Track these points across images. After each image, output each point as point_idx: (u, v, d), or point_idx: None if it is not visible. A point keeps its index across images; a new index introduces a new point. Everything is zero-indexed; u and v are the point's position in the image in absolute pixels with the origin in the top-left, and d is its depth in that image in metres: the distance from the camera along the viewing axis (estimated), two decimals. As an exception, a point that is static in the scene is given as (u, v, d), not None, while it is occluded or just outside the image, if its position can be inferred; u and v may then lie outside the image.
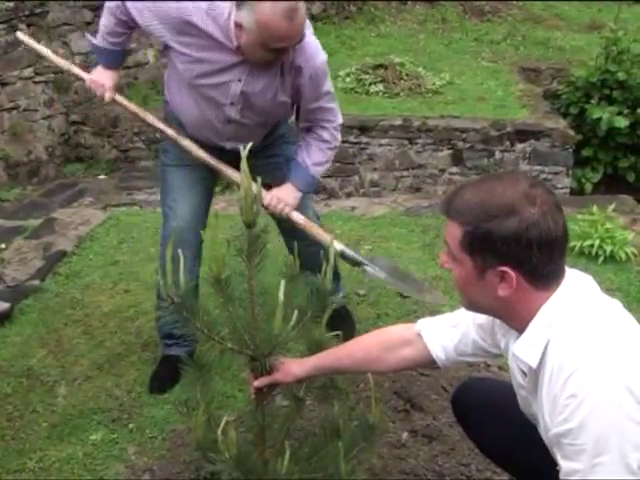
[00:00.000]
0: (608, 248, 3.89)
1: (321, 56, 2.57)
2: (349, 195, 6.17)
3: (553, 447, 1.54)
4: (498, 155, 6.28)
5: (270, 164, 2.80)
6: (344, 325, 2.90)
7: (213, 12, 2.44)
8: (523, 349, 1.59)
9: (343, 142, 5.82)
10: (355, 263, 2.82)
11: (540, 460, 1.88)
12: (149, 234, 4.25)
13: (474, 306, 1.67)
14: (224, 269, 1.68)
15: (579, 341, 1.47)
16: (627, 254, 3.91)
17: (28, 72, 5.99)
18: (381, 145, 6.20)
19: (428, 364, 2.00)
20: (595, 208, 4.16)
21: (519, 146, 6.30)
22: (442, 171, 6.30)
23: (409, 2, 9.43)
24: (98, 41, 2.74)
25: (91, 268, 3.87)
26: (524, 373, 1.67)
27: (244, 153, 1.61)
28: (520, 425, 1.97)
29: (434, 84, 7.12)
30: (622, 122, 6.39)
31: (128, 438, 2.66)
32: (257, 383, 1.89)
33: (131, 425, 2.71)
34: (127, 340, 3.21)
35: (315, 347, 1.95)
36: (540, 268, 1.51)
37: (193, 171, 2.79)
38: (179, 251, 1.68)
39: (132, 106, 2.81)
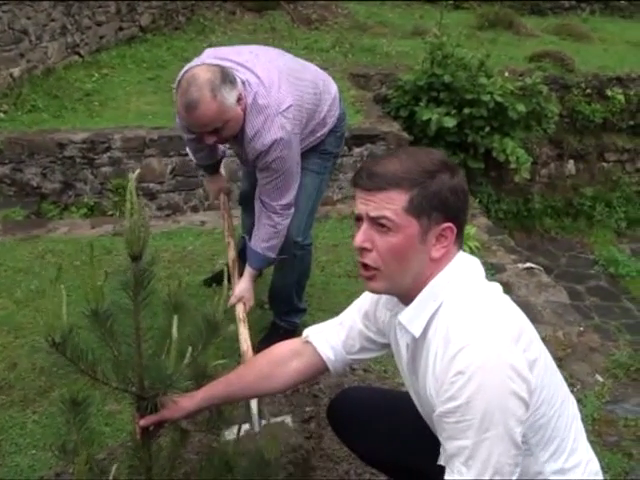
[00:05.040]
0: (453, 244, 4.08)
1: (261, 141, 2.73)
2: (194, 209, 6.07)
3: (437, 429, 1.58)
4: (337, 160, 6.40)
5: None
6: None
7: None
8: (409, 319, 1.64)
9: (185, 155, 5.81)
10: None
11: (416, 458, 1.95)
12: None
13: (395, 281, 1.65)
14: (102, 302, 1.59)
15: (467, 319, 1.53)
16: (471, 248, 4.13)
17: None
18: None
19: (320, 370, 1.99)
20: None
21: (356, 150, 6.43)
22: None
23: (238, 12, 9.44)
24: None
25: None
26: (407, 346, 1.72)
27: (132, 180, 1.51)
28: (394, 428, 2.03)
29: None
30: (450, 122, 6.67)
31: (-7, 492, 2.47)
32: (144, 422, 1.79)
33: (-5, 477, 2.52)
34: (-21, 384, 2.99)
35: (204, 379, 1.89)
36: (465, 220, 1.65)
37: None
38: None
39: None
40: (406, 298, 1.68)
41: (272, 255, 3.00)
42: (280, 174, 2.81)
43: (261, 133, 2.73)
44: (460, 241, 1.66)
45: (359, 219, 1.64)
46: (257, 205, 2.94)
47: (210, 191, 3.45)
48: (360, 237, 1.62)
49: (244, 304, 2.92)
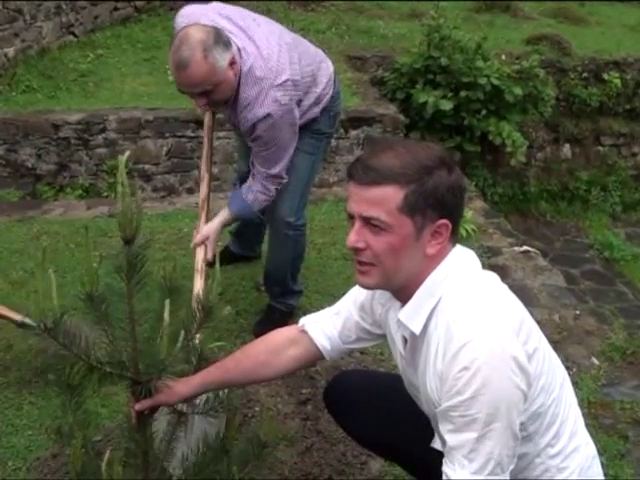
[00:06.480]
0: (450, 227, 4.09)
1: (253, 112, 2.71)
2: (190, 191, 6.05)
3: (440, 422, 1.58)
4: (333, 142, 6.38)
5: None
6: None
7: None
8: (408, 316, 1.63)
9: (180, 137, 5.79)
10: None
11: (411, 440, 1.96)
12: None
13: (389, 277, 1.62)
14: (97, 285, 1.57)
15: (467, 314, 1.53)
16: (468, 231, 4.13)
17: None
18: (219, 138, 6.12)
19: (316, 359, 2.00)
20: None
21: (353, 133, 6.42)
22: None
23: (233, -7, 9.36)
24: None
25: None
26: (405, 340, 1.72)
27: (122, 162, 1.47)
28: (390, 411, 2.04)
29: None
30: (446, 105, 6.64)
31: (-11, 473, 2.47)
32: (139, 406, 1.79)
33: (-9, 459, 2.52)
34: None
35: (202, 362, 1.88)
36: (461, 216, 1.64)
37: None
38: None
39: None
40: (400, 294, 1.68)
41: (256, 207, 2.96)
42: (271, 147, 2.80)
43: (253, 105, 2.71)
44: (455, 236, 1.64)
45: (351, 217, 1.61)
46: (251, 166, 2.95)
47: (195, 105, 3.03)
48: (353, 237, 1.59)
49: (205, 252, 2.83)
